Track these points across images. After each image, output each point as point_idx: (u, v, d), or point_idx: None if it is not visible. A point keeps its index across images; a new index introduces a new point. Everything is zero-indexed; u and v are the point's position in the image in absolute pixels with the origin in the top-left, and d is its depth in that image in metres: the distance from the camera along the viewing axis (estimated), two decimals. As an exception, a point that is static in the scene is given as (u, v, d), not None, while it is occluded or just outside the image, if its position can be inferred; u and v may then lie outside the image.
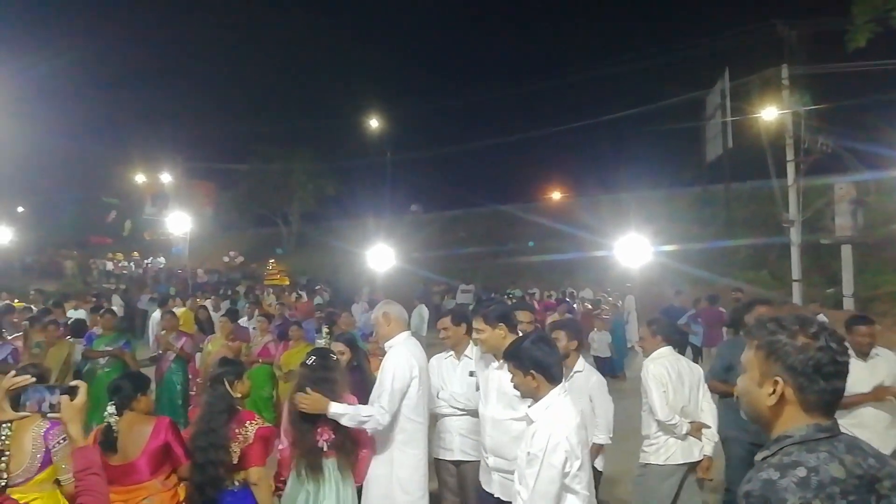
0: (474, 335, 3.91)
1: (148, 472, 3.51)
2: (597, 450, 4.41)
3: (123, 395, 3.65)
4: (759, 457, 1.62)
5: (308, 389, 3.80)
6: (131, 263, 37.71)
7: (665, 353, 4.66)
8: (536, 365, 2.96)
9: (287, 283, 25.22)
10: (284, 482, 3.95)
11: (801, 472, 1.48)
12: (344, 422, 3.76)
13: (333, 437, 3.83)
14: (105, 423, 3.56)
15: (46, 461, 3.33)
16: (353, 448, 3.93)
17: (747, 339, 1.71)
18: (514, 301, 13.52)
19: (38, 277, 30.89)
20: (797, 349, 1.58)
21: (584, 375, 4.60)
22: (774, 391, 1.60)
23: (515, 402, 3.54)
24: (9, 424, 3.29)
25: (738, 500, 1.55)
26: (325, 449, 3.81)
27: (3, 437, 3.28)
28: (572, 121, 28.53)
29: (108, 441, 3.49)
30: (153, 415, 3.82)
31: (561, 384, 3.02)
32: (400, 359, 4.01)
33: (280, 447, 3.94)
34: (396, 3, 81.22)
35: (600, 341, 12.39)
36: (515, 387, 3.09)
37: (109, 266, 35.97)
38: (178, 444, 3.62)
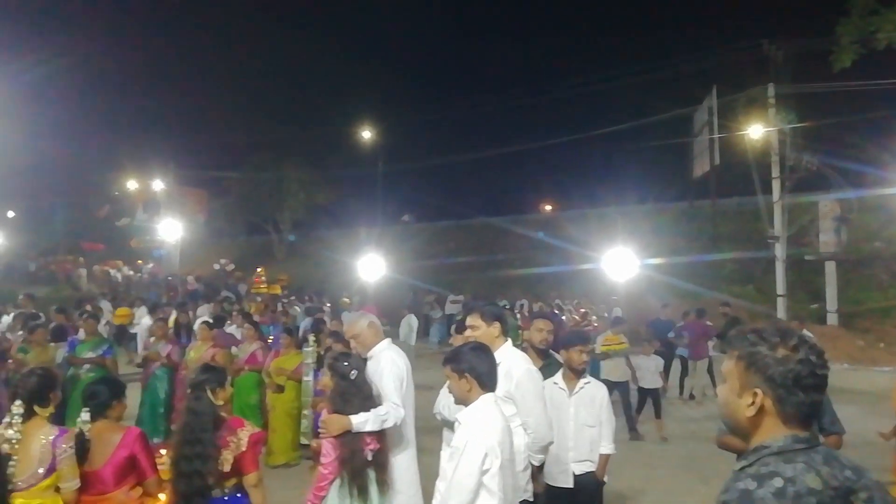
0: (468, 332, 4.01)
1: (112, 482, 3.42)
2: (605, 460, 4.55)
3: (99, 401, 3.58)
4: (736, 467, 1.63)
5: (328, 409, 3.90)
6: (130, 271, 37.27)
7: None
8: (471, 369, 3.09)
9: (279, 291, 25.17)
10: (322, 498, 3.88)
11: (778, 482, 1.49)
12: (368, 428, 3.81)
13: (379, 446, 3.89)
14: (78, 429, 3.48)
15: (51, 468, 3.30)
16: (388, 459, 3.99)
17: (728, 349, 1.72)
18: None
19: (45, 283, 30.77)
20: (777, 361, 1.59)
21: (591, 387, 4.65)
22: (753, 402, 1.61)
23: (507, 403, 3.67)
24: (19, 430, 3.32)
25: None
26: (369, 458, 3.84)
27: (12, 442, 3.29)
28: (561, 135, 28.76)
29: (80, 448, 3.40)
30: (128, 423, 3.77)
31: (493, 393, 3.13)
32: (393, 360, 4.25)
33: (324, 461, 3.85)
34: (390, 14, 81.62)
35: (647, 369, 9.65)
36: (450, 391, 3.21)
37: (114, 274, 35.45)
38: (146, 458, 3.51)
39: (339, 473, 3.79)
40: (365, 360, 4.31)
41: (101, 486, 3.40)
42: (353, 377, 3.92)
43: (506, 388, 3.75)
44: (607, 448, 4.51)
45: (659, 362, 9.96)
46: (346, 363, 3.99)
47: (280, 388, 7.75)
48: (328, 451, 3.83)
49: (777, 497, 1.47)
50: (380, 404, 3.94)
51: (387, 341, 4.44)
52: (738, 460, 1.67)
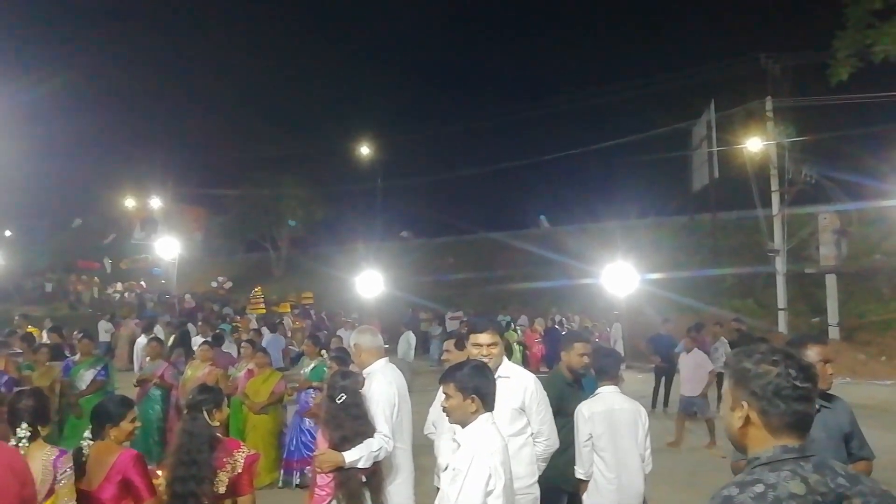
0: (487, 350, 3.88)
1: (110, 503, 3.39)
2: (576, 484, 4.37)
3: (101, 420, 3.54)
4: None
5: (325, 440, 3.85)
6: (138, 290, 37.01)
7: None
8: (477, 389, 3.03)
9: (288, 310, 25.12)
10: None
11: (759, 488, 1.59)
12: (362, 464, 3.76)
13: (373, 468, 3.85)
14: (78, 447, 3.46)
15: (51, 489, 3.27)
16: (382, 479, 3.96)
17: (726, 370, 1.87)
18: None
19: (37, 303, 30.69)
20: (758, 375, 1.71)
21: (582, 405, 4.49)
22: (741, 415, 1.73)
23: (516, 416, 3.71)
24: (25, 453, 3.25)
25: None
26: (363, 479, 3.82)
27: None
28: (561, 150, 28.77)
29: (76, 466, 3.37)
30: (127, 443, 3.69)
31: (490, 413, 3.08)
32: (382, 386, 4.09)
33: (320, 482, 3.88)
34: (388, 31, 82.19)
35: None
36: (448, 410, 3.12)
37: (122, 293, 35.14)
38: (141, 480, 3.44)
39: (335, 495, 3.79)
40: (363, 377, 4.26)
41: None
42: (339, 401, 3.87)
43: (520, 400, 3.78)
44: (576, 471, 4.33)
45: None
46: (342, 384, 3.94)
47: (263, 409, 7.65)
48: (323, 475, 3.86)
49: (756, 501, 1.56)
50: (373, 425, 3.90)
51: (382, 361, 4.31)
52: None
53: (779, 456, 1.66)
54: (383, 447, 3.86)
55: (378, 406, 3.98)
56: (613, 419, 4.31)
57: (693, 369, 9.92)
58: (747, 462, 1.72)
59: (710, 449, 9.36)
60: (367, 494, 3.83)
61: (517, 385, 3.82)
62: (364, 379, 4.23)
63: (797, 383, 1.69)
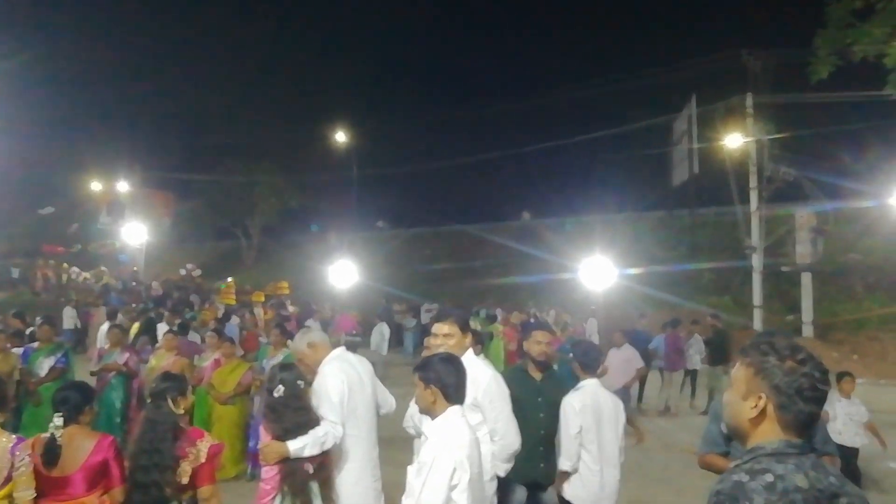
0: (440, 341, 3.89)
1: (83, 487, 3.36)
2: (561, 476, 4.36)
3: (71, 405, 3.49)
4: (732, 464, 1.79)
5: (268, 430, 3.80)
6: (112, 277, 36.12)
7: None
8: (437, 380, 3.02)
9: (262, 299, 24.63)
10: None
11: (769, 477, 1.65)
12: (307, 453, 3.70)
13: (321, 459, 3.81)
14: (49, 434, 3.38)
15: (9, 477, 3.30)
16: (331, 472, 3.91)
17: (740, 358, 1.86)
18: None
19: (19, 287, 29.90)
20: (784, 372, 1.75)
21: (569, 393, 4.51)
22: (757, 405, 1.76)
23: (469, 411, 3.57)
24: None
25: (710, 498, 1.69)
26: (311, 472, 3.76)
27: None
28: (540, 143, 28.70)
29: (51, 453, 3.34)
30: (93, 428, 3.69)
31: (460, 405, 3.06)
32: (331, 373, 4.02)
33: (265, 475, 3.80)
34: (366, 20, 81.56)
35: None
36: (415, 399, 3.15)
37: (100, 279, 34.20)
38: (117, 466, 3.44)
39: (280, 489, 3.73)
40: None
41: (71, 490, 3.35)
42: (276, 394, 3.83)
43: (472, 395, 3.66)
44: (562, 464, 4.31)
45: (861, 411, 6.99)
46: (280, 376, 3.90)
47: (229, 400, 7.52)
48: (269, 466, 3.79)
49: (767, 490, 1.62)
50: (318, 416, 3.83)
51: (336, 351, 4.23)
52: (733, 461, 1.87)
53: (784, 449, 1.71)
54: (329, 432, 3.77)
55: (325, 396, 3.90)
56: (599, 412, 4.36)
57: (623, 363, 10.12)
58: (749, 450, 1.76)
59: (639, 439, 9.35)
60: (315, 487, 3.77)
61: (468, 380, 3.69)
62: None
63: (818, 385, 1.74)
